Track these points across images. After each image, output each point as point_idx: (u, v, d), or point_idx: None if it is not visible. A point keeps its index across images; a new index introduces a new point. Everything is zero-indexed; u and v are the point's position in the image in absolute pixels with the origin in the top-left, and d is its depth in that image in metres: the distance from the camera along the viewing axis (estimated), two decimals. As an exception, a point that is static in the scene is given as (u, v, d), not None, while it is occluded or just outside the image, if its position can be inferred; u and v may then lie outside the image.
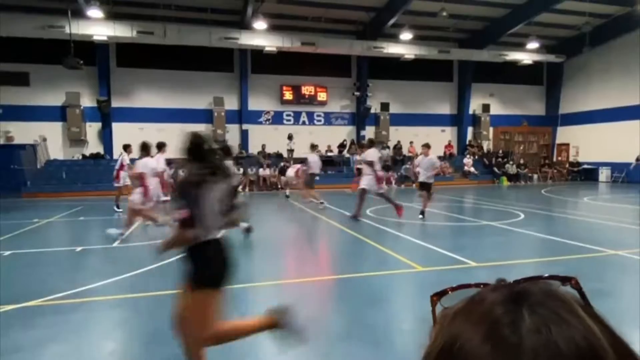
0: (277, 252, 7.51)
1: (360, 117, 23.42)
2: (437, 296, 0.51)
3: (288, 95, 22.27)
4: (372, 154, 10.17)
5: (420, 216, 10.33)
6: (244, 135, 21.55)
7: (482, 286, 0.48)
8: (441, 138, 24.58)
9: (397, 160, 22.74)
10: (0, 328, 3.90)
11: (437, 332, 0.44)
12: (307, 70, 22.04)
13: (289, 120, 22.64)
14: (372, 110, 23.33)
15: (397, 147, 23.54)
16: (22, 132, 18.92)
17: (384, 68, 22.78)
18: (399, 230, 9.13)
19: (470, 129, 25.49)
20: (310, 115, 22.99)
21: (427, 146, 10.71)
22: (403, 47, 21.37)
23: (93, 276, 5.63)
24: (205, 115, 21.18)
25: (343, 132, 23.43)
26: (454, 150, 24.86)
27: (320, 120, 23.20)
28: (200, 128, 20.87)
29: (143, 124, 20.34)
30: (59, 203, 14.51)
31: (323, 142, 22.30)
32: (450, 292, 0.51)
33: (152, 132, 20.13)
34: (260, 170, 20.23)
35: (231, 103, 21.53)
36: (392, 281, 5.64)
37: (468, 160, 23.34)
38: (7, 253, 6.99)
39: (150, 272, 5.74)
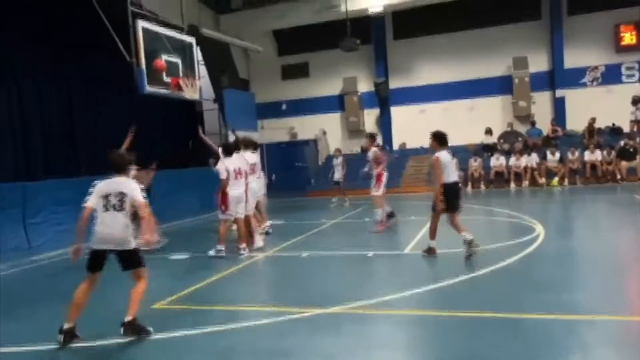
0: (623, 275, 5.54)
1: None
2: None
3: (628, 39, 16.01)
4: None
5: None
6: (559, 104, 16.47)
7: None
8: None
9: None
10: (312, 331, 4.12)
11: None
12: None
13: (632, 76, 16.09)
14: None
15: None
16: (304, 127, 18.75)
17: None
18: None
19: None
20: (671, 64, 15.70)
21: None
22: None
23: (389, 285, 5.47)
24: (501, 85, 16.89)
25: None
26: None
27: (689, 70, 15.54)
28: (496, 102, 16.99)
29: (424, 105, 17.74)
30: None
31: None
32: None
33: (435, 113, 17.47)
34: (586, 153, 14.84)
35: (537, 63, 16.58)
36: None
37: None
38: (304, 254, 7.17)
39: (448, 288, 5.16)
